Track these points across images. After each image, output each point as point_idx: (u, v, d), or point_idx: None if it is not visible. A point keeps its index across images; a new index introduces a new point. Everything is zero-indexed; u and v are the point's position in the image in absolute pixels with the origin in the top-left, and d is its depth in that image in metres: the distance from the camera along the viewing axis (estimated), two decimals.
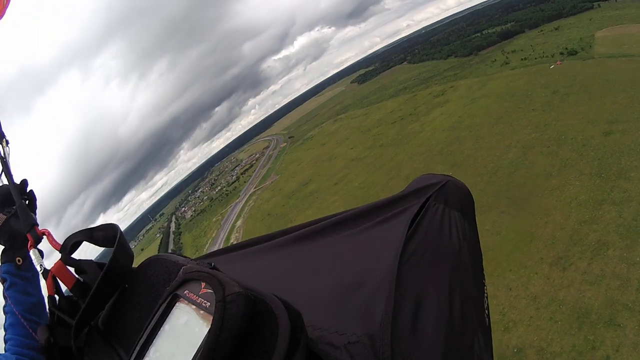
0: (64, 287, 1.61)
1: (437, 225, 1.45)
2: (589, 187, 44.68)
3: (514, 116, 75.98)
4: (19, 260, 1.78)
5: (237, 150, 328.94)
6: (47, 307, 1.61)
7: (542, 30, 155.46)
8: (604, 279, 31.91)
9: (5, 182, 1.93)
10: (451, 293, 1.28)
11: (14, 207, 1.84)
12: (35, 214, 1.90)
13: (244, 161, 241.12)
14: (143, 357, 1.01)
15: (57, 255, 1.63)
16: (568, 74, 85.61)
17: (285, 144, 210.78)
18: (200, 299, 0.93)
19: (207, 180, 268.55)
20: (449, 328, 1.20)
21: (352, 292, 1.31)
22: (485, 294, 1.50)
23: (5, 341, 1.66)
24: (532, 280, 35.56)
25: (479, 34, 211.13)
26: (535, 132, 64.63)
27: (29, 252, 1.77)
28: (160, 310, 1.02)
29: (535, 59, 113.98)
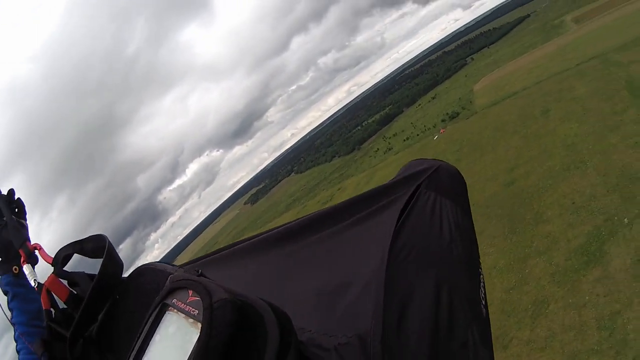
0: (58, 300, 1.72)
1: (427, 216, 1.52)
2: (507, 249, 40.40)
3: None
4: (15, 269, 1.95)
5: None
6: (44, 320, 1.71)
7: (420, 105, 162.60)
8: (555, 338, 27.51)
9: None
10: (438, 289, 1.33)
11: (4, 219, 2.01)
12: (26, 221, 2.10)
13: None
14: None
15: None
16: (453, 138, 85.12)
17: None
18: (188, 307, 0.98)
19: None
20: (435, 326, 1.26)
21: (341, 293, 1.36)
22: (482, 284, 1.57)
23: (18, 351, 1.86)
24: None
25: (359, 127, 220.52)
26: None
27: (22, 267, 1.91)
28: (150, 320, 1.08)
29: (418, 135, 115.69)
